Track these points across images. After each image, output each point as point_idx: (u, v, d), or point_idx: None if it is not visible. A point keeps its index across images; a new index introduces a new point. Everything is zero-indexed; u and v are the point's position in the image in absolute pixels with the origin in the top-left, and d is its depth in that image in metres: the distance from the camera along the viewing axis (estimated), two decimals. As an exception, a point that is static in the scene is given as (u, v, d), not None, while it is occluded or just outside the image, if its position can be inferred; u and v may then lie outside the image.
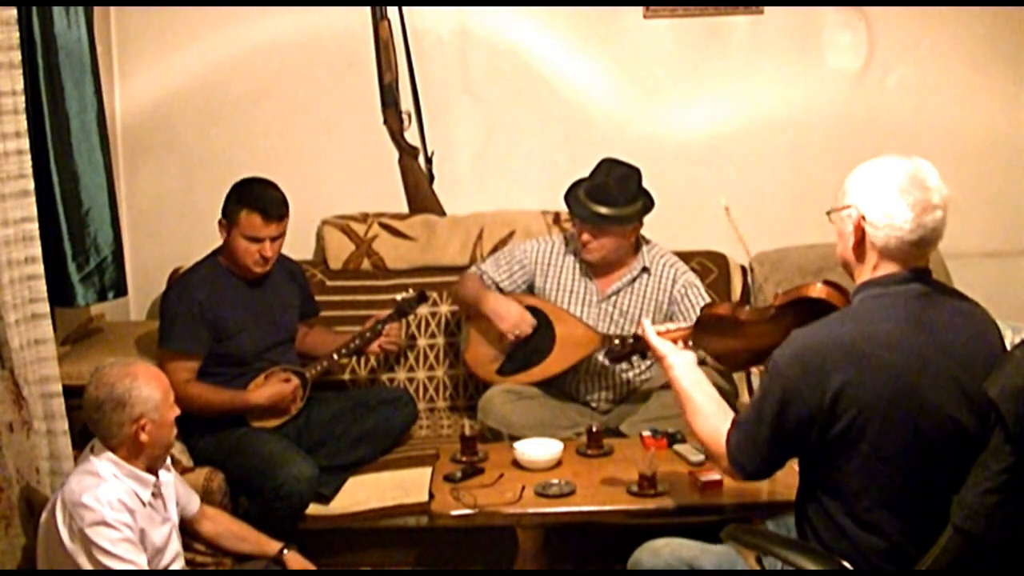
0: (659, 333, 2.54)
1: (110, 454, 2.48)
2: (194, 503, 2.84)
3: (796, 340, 2.11)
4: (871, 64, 4.04)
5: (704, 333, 2.54)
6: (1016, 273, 4.16)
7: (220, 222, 3.32)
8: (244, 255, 3.30)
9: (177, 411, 2.60)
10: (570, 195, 3.50)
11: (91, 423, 2.50)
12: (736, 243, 3.06)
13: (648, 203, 3.48)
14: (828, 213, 2.22)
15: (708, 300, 3.41)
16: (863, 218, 2.10)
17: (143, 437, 2.48)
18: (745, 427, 2.19)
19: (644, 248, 3.57)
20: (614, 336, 3.35)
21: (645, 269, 3.54)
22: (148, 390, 2.49)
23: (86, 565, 2.37)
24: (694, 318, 2.68)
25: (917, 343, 2.05)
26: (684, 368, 2.44)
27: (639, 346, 2.69)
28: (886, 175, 2.10)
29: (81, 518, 2.37)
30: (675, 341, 2.53)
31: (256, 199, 3.28)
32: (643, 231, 3.61)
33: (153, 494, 2.54)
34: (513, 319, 3.48)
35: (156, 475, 2.57)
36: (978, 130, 4.07)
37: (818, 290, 2.31)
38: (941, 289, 2.17)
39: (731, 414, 2.29)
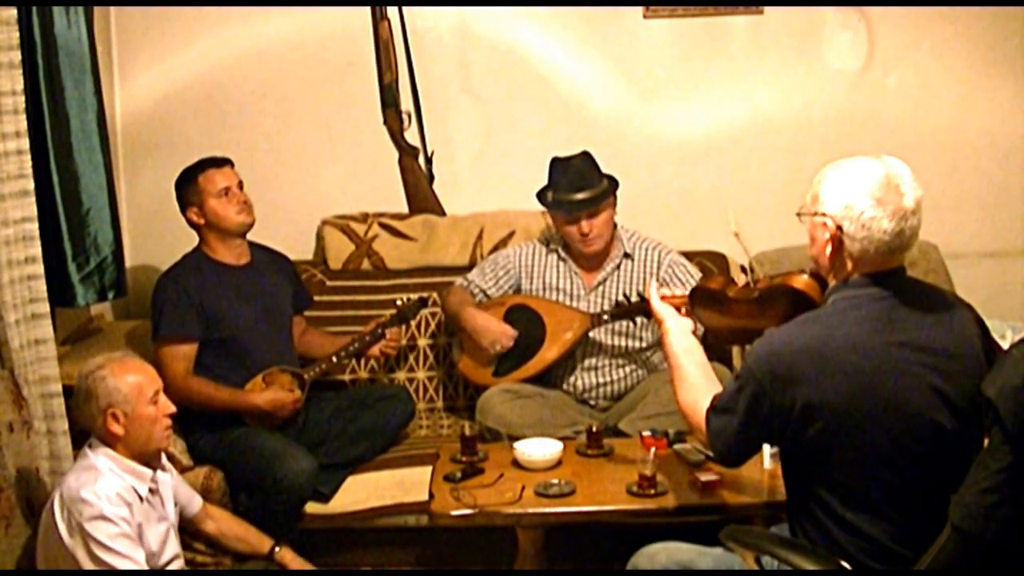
0: (662, 298, 2.63)
1: (106, 449, 2.49)
2: (196, 503, 2.84)
3: (768, 342, 2.13)
4: (871, 64, 4.03)
5: (697, 304, 2.60)
6: (1016, 273, 4.15)
7: (191, 212, 3.37)
8: (226, 211, 3.35)
9: (169, 408, 2.58)
10: (547, 201, 3.54)
11: (75, 417, 2.52)
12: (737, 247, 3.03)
13: (612, 177, 3.54)
14: (799, 215, 2.21)
15: (698, 275, 3.41)
16: (840, 228, 2.08)
17: (115, 428, 2.48)
18: (722, 413, 2.21)
19: (622, 234, 3.60)
20: (601, 313, 3.44)
21: (627, 255, 3.58)
22: (114, 381, 2.48)
23: (84, 560, 2.37)
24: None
25: (883, 344, 2.05)
26: (679, 334, 2.50)
27: (643, 306, 2.80)
28: (861, 183, 2.07)
29: (80, 512, 2.38)
30: (676, 307, 2.60)
31: (198, 164, 3.38)
32: (643, 231, 3.62)
33: (151, 490, 2.55)
34: (492, 335, 3.52)
35: (153, 469, 2.57)
36: (978, 130, 4.06)
37: (802, 282, 2.30)
38: (915, 287, 2.15)
39: (716, 387, 2.31)
